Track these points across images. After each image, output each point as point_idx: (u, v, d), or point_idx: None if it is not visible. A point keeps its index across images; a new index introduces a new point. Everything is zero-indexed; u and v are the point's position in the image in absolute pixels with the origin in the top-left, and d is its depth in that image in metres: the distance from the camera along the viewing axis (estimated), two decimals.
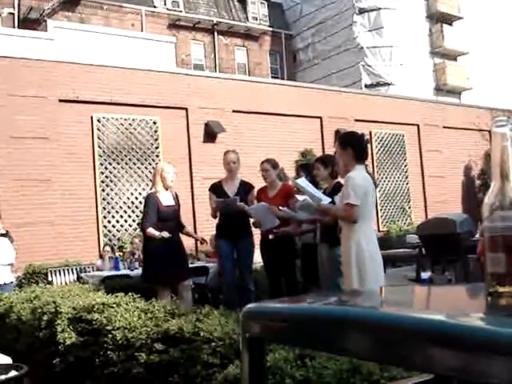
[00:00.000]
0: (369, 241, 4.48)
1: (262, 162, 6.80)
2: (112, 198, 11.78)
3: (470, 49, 28.05)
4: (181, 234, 6.69)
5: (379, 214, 15.49)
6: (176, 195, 6.68)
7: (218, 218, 6.81)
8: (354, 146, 4.60)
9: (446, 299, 1.17)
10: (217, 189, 6.83)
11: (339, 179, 5.84)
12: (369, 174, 4.76)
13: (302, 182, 5.35)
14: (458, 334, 0.78)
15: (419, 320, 0.87)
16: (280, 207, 6.13)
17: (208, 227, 7.22)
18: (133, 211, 11.95)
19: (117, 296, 4.32)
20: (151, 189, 6.78)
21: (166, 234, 6.20)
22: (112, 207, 11.77)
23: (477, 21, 26.82)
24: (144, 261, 6.71)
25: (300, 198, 5.61)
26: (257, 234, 6.90)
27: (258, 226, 6.63)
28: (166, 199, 6.44)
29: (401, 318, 0.90)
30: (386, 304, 1.24)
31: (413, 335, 0.83)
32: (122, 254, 10.61)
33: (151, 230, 6.29)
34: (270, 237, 6.55)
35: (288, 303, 1.26)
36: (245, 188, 6.78)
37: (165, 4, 26.86)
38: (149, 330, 3.34)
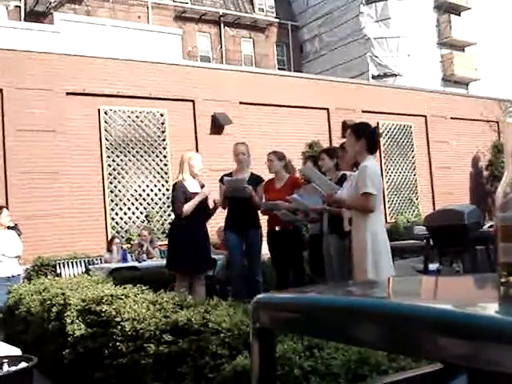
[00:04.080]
0: (382, 230, 4.51)
1: (269, 154, 6.83)
2: (119, 191, 11.81)
3: (477, 39, 27.86)
4: None
5: (387, 206, 15.47)
6: (203, 185, 6.66)
7: (226, 210, 6.81)
8: (368, 136, 4.59)
9: (458, 289, 1.16)
10: None
11: (344, 171, 5.84)
12: None
13: (310, 169, 5.35)
14: (470, 323, 0.77)
15: (430, 310, 0.87)
16: (287, 196, 6.12)
17: (215, 218, 7.21)
18: (140, 203, 11.98)
19: (125, 288, 4.33)
20: (177, 178, 6.72)
21: (205, 192, 6.29)
22: (120, 199, 11.80)
23: (485, 11, 26.64)
24: (169, 248, 6.69)
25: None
26: (264, 226, 6.91)
27: (265, 213, 6.72)
28: (192, 187, 6.43)
29: (412, 307, 0.90)
30: (396, 294, 1.24)
31: (424, 325, 0.83)
32: (129, 245, 10.65)
33: (187, 205, 6.27)
34: (277, 228, 6.56)
35: (298, 293, 1.26)
36: (255, 180, 6.78)
37: None
38: (157, 321, 3.35)
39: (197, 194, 6.39)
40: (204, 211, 6.45)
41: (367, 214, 4.44)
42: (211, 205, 6.56)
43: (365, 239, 4.42)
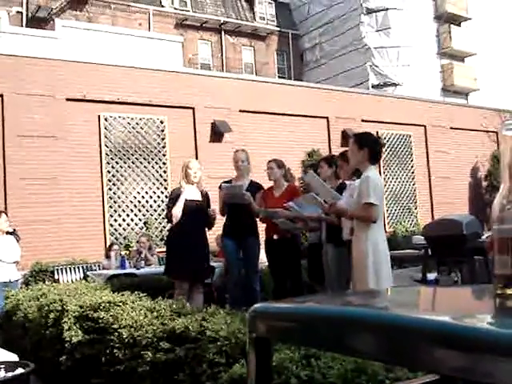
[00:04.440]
0: (383, 240, 4.51)
1: (269, 161, 6.85)
2: (119, 197, 11.81)
3: (477, 50, 27.96)
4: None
5: (385, 215, 15.46)
6: (206, 193, 6.65)
7: (225, 218, 6.82)
8: (371, 146, 4.60)
9: (454, 301, 1.17)
10: None
11: (343, 180, 5.85)
12: None
13: (312, 176, 5.36)
14: (466, 335, 0.78)
15: (427, 321, 0.87)
16: (285, 204, 6.14)
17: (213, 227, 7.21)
18: (139, 210, 11.97)
19: (123, 294, 4.33)
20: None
21: (184, 196, 6.22)
22: (118, 206, 11.79)
23: (485, 22, 26.74)
24: (167, 255, 6.70)
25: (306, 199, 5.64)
26: (262, 234, 6.90)
27: (263, 221, 6.71)
28: (189, 194, 6.41)
29: (409, 319, 0.91)
30: (393, 305, 1.24)
31: (421, 336, 0.83)
32: (128, 252, 10.64)
33: (174, 209, 6.28)
34: (275, 237, 6.55)
35: (295, 303, 1.26)
36: (254, 188, 6.78)
37: (172, 3, 26.90)
38: (155, 328, 3.35)
39: (192, 201, 6.38)
40: (202, 219, 6.43)
41: (369, 224, 4.44)
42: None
43: (366, 249, 4.42)
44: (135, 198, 11.99)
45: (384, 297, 1.39)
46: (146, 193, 12.11)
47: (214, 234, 9.13)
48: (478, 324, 0.84)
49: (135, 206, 11.96)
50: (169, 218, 6.49)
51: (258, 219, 6.80)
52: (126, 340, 3.48)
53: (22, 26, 21.35)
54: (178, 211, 6.27)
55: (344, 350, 1.14)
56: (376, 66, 26.15)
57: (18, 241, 8.01)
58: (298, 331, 1.10)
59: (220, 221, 6.94)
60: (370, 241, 4.42)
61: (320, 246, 6.10)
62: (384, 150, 15.75)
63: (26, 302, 5.53)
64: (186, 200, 6.34)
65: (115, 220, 11.73)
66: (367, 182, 4.43)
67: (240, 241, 6.66)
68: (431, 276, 7.61)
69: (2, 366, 3.44)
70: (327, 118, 15.02)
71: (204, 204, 6.52)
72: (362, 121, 15.18)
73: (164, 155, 12.40)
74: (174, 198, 6.44)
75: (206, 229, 6.60)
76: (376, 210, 4.41)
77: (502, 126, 0.96)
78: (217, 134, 13.02)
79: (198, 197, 6.48)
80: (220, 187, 6.77)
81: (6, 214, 8.19)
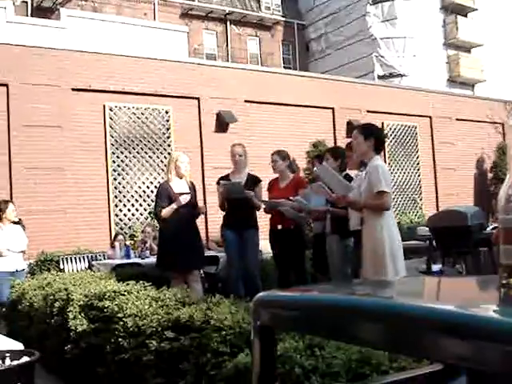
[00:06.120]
0: (396, 229, 4.51)
1: (272, 154, 6.82)
2: (124, 187, 11.82)
3: (484, 41, 27.79)
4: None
5: None
6: (192, 184, 6.68)
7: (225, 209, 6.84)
8: (376, 136, 4.63)
9: (460, 290, 1.17)
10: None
11: (348, 171, 5.85)
12: None
13: (323, 169, 5.33)
14: (471, 324, 0.78)
15: (432, 310, 0.87)
16: (291, 197, 6.14)
17: (218, 217, 7.22)
18: (144, 200, 11.99)
19: (128, 284, 4.34)
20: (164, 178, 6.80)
21: (180, 200, 6.23)
22: (124, 196, 11.81)
23: (491, 12, 26.57)
24: (158, 247, 6.74)
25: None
26: (262, 224, 6.90)
27: (268, 212, 6.72)
28: (178, 187, 6.44)
29: (414, 308, 0.91)
30: (398, 294, 1.24)
31: (426, 325, 0.83)
32: (133, 242, 10.66)
33: (165, 210, 6.32)
34: (279, 227, 6.55)
35: (299, 292, 1.27)
36: (252, 181, 6.78)
37: None
38: (160, 317, 3.36)
39: (181, 194, 6.38)
40: (191, 210, 6.43)
41: (382, 213, 4.43)
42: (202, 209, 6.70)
43: (382, 238, 4.39)
44: (140, 187, 12.01)
45: (389, 286, 1.40)
46: (151, 183, 12.11)
47: (218, 224, 9.15)
48: (483, 313, 0.84)
49: (140, 196, 11.98)
50: (158, 216, 6.53)
51: (261, 210, 6.81)
52: (131, 329, 3.49)
53: (27, 15, 21.32)
54: (168, 214, 6.31)
55: (348, 339, 1.14)
56: (382, 57, 26.04)
57: (23, 230, 8.04)
58: (302, 320, 1.10)
59: (222, 212, 6.96)
60: (385, 229, 4.40)
61: (324, 236, 6.10)
62: (389, 140, 15.74)
63: (32, 291, 5.55)
64: (174, 193, 6.37)
65: (120, 210, 11.76)
66: (377, 171, 4.43)
67: (239, 232, 6.67)
68: (436, 267, 7.61)
69: (8, 355, 3.45)
70: (333, 108, 14.98)
71: (192, 196, 6.55)
72: (368, 111, 15.14)
73: (169, 145, 12.40)
74: (162, 194, 6.45)
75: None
76: (388, 197, 4.42)
77: (509, 117, 0.95)
78: (222, 124, 13.01)
79: (186, 189, 6.51)
80: (218, 183, 6.80)
81: (13, 203, 8.21)
